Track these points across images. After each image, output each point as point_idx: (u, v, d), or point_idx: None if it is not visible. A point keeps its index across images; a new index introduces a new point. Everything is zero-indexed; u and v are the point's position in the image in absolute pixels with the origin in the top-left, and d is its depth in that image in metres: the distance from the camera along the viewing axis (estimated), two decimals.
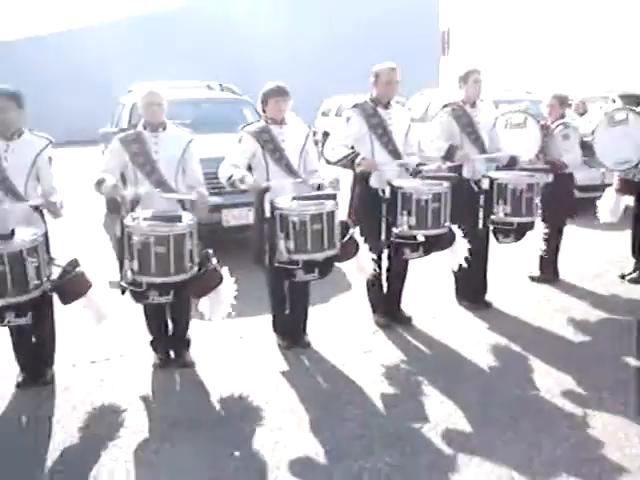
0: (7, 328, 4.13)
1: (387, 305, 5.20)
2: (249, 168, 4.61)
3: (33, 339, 4.27)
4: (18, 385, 4.24)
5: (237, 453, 3.50)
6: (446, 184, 4.71)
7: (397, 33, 25.86)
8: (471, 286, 5.54)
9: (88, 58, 22.13)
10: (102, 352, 4.73)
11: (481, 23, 31.05)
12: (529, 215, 5.11)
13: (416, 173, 4.92)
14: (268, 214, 4.35)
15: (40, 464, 3.46)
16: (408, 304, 5.32)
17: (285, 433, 3.69)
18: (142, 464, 3.44)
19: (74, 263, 3.99)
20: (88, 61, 22.06)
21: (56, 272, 3.97)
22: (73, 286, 3.97)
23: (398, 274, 5.13)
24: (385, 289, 5.19)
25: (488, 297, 5.59)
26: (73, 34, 24.61)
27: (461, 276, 5.39)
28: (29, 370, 4.30)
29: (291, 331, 4.82)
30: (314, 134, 5.01)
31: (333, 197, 4.34)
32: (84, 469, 3.39)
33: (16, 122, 4.11)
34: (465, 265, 4.99)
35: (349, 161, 4.76)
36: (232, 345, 4.89)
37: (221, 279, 4.19)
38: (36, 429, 3.81)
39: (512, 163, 5.36)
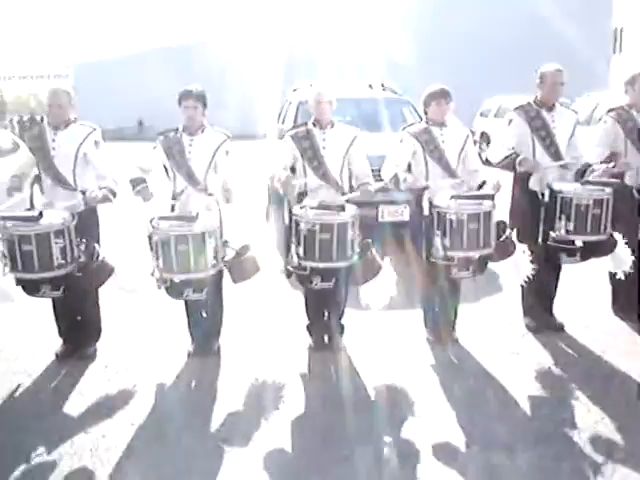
0: (184, 302, 4.61)
1: (539, 309, 5.17)
2: (409, 167, 4.79)
3: (204, 314, 4.72)
4: (189, 355, 4.71)
5: (387, 438, 3.69)
6: (608, 190, 4.62)
7: (563, 31, 24.83)
8: (629, 297, 5.36)
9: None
10: (265, 331, 5.11)
11: None
12: None
13: (581, 175, 4.86)
14: (426, 212, 4.51)
15: (203, 428, 3.83)
16: (562, 311, 5.26)
17: (430, 423, 3.85)
18: (297, 435, 3.73)
19: (247, 247, 4.37)
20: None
21: (229, 254, 4.37)
22: (244, 268, 4.35)
23: (552, 278, 5.09)
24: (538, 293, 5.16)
25: None
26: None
27: (619, 285, 5.25)
28: (199, 341, 4.75)
29: (440, 327, 4.94)
30: (472, 134, 5.09)
31: (491, 197, 4.42)
32: (245, 437, 3.70)
33: (200, 119, 4.57)
34: (623, 275, 4.86)
35: (510, 162, 4.81)
36: (385, 335, 5.08)
37: (380, 268, 4.41)
38: (203, 395, 4.23)
39: None
